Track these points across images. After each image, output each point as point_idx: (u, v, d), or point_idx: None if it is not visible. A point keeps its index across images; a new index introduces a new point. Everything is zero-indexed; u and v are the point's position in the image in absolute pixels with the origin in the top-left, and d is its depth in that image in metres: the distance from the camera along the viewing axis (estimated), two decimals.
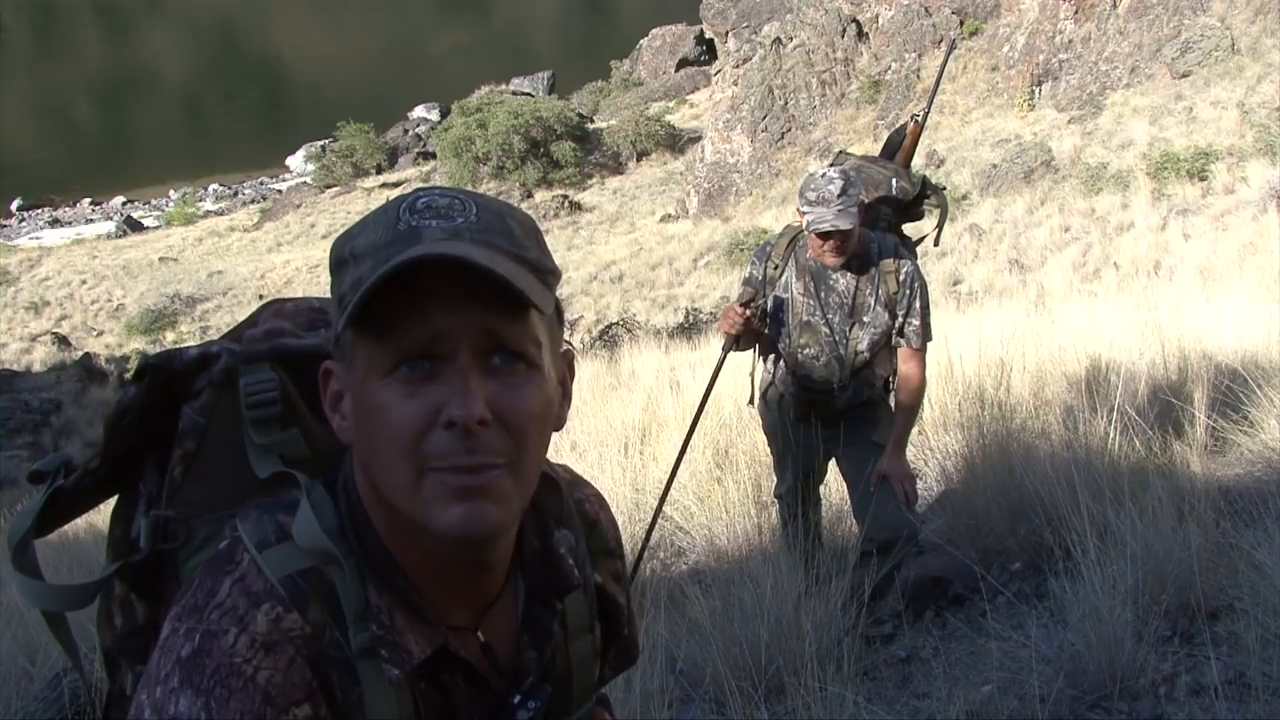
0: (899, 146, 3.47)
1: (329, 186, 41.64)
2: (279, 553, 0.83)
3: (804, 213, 3.00)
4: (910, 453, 3.55)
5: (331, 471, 0.89)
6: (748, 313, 3.13)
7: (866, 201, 3.16)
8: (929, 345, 3.21)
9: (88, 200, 47.75)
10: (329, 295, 0.89)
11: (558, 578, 0.95)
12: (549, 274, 0.85)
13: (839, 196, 2.92)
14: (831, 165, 3.43)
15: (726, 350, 3.26)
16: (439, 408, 0.79)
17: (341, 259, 0.83)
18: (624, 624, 1.07)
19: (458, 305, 0.79)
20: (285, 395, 0.92)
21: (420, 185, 0.82)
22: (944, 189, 3.65)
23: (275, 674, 0.78)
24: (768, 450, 3.65)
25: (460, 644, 0.88)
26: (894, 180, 3.36)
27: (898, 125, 3.56)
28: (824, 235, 3.01)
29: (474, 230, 0.81)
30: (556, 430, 0.88)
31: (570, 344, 1.03)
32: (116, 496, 0.98)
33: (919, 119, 3.47)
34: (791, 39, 26.71)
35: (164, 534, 0.90)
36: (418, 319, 0.79)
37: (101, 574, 0.93)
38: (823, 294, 3.16)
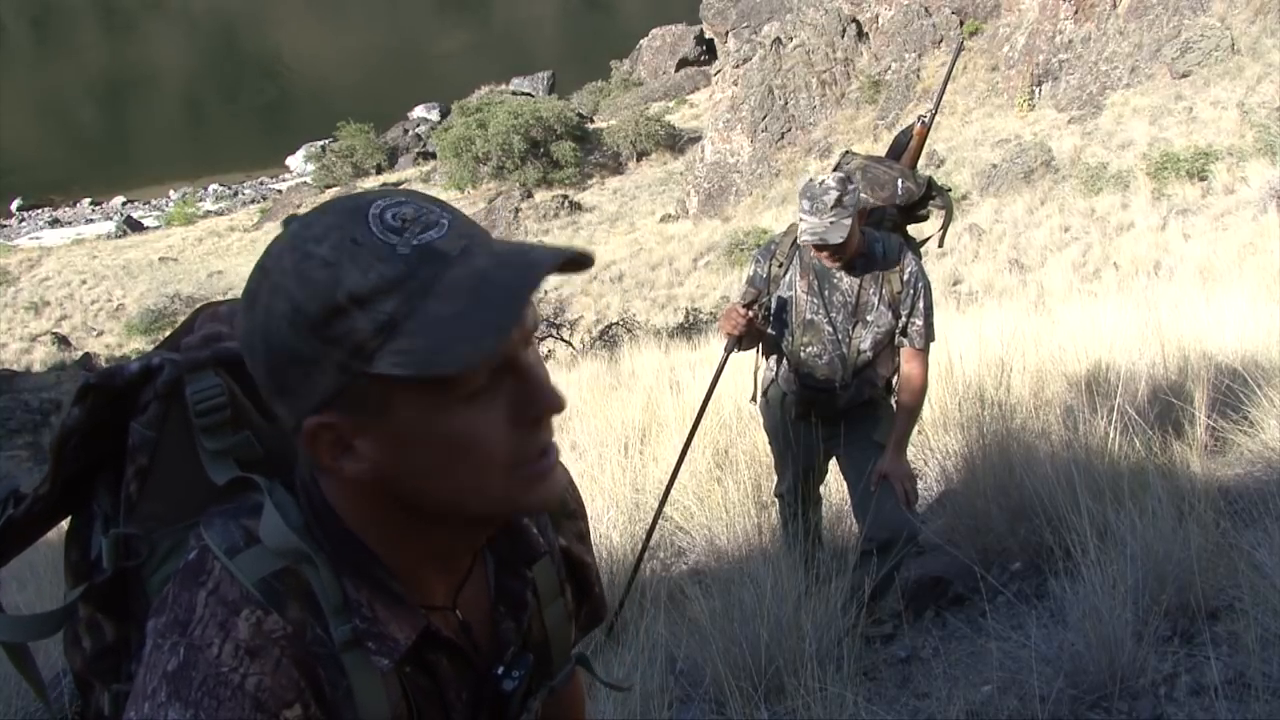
0: (905, 147, 3.46)
1: (329, 186, 41.63)
2: (249, 557, 0.82)
3: (800, 219, 3.01)
4: (910, 453, 3.55)
5: (289, 471, 0.89)
6: (750, 314, 3.13)
7: (871, 203, 3.16)
8: (931, 345, 3.22)
9: (88, 200, 47.78)
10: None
11: (524, 547, 0.97)
12: None
13: (833, 208, 2.91)
14: (837, 167, 3.42)
15: (729, 351, 3.25)
16: (517, 410, 0.81)
17: (335, 308, 0.74)
18: (593, 583, 1.09)
19: None
20: (232, 399, 0.91)
21: (379, 194, 0.79)
22: (949, 191, 3.65)
23: (264, 678, 0.78)
24: (768, 450, 3.65)
25: (441, 624, 0.89)
26: (899, 181, 3.36)
27: (904, 127, 3.55)
28: (816, 246, 3.02)
29: (467, 228, 0.80)
30: None
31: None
32: (69, 520, 0.96)
33: (925, 120, 3.46)
34: (791, 39, 26.71)
35: (125, 551, 0.89)
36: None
37: (66, 600, 0.92)
38: (826, 293, 3.16)
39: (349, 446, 0.80)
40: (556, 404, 0.82)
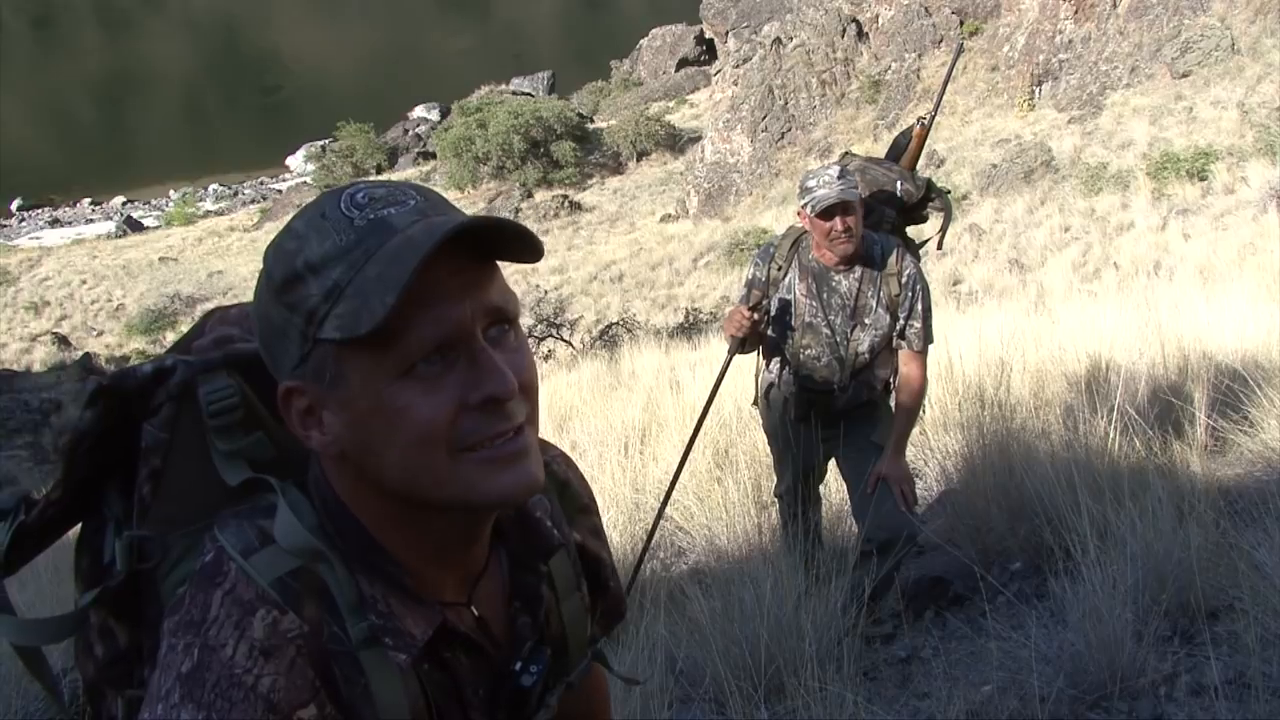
0: (904, 149, 3.46)
1: (329, 186, 41.51)
2: (265, 557, 0.83)
3: (806, 200, 3.00)
4: (910, 453, 3.55)
5: (301, 471, 0.89)
6: (756, 316, 3.12)
7: (864, 196, 3.16)
8: (930, 347, 3.22)
9: (88, 200, 47.75)
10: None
11: (538, 541, 0.97)
12: None
13: (839, 178, 2.97)
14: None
15: (732, 353, 3.25)
16: (464, 392, 0.80)
17: (294, 275, 0.79)
18: (608, 578, 1.09)
19: (458, 293, 0.79)
20: (245, 400, 0.91)
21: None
22: (948, 192, 3.65)
23: (278, 679, 0.78)
24: (768, 450, 3.65)
25: (456, 619, 0.89)
26: (898, 183, 3.35)
27: (903, 129, 3.54)
28: (829, 211, 2.96)
29: (432, 208, 0.81)
30: None
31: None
32: (79, 527, 0.96)
33: (925, 122, 3.46)
34: (791, 39, 26.71)
35: (139, 554, 0.89)
36: (424, 318, 0.78)
37: (79, 605, 0.91)
38: (825, 295, 3.16)
39: (317, 417, 0.83)
40: (502, 389, 0.80)
